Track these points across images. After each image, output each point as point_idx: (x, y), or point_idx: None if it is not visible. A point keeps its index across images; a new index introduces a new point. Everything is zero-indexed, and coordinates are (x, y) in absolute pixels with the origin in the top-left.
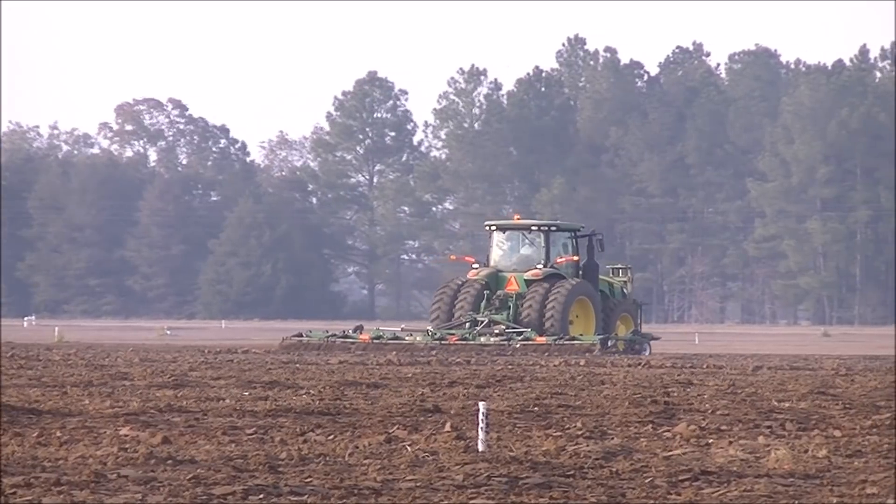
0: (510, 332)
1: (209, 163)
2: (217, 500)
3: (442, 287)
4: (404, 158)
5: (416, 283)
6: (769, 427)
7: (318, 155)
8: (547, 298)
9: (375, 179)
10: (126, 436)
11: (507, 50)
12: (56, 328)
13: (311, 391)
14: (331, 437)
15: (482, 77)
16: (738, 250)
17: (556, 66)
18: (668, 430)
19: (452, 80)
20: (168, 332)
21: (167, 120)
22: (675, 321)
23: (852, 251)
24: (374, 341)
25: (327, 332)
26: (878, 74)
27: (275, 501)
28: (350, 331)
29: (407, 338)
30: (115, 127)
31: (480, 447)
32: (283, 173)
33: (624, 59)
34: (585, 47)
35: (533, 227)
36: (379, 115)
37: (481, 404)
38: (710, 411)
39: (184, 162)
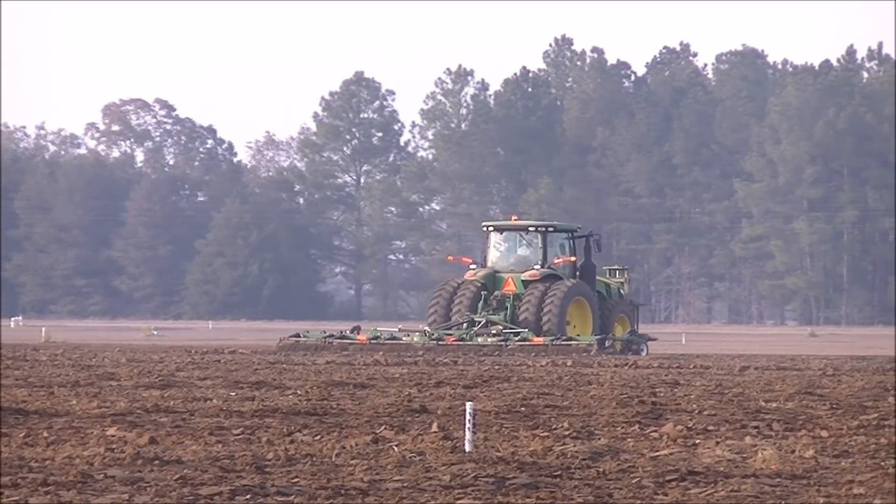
0: (508, 332)
1: (196, 163)
2: (204, 501)
3: (439, 288)
4: (391, 159)
5: (403, 284)
6: (756, 427)
7: (305, 155)
8: (544, 299)
9: (362, 180)
10: (113, 436)
11: (495, 50)
12: (43, 328)
13: (298, 391)
14: (318, 437)
15: (469, 77)
16: (725, 250)
17: (543, 66)
18: (655, 431)
19: (439, 80)
20: (155, 332)
21: (154, 120)
22: (663, 321)
23: (839, 251)
24: (372, 342)
25: (325, 332)
26: (865, 74)
27: (262, 502)
28: (347, 331)
29: (404, 338)
30: (101, 127)
31: (467, 447)
32: (270, 174)
33: (611, 60)
34: (572, 47)
35: (530, 228)
36: (366, 115)
37: (468, 404)
38: (697, 411)
39: (171, 162)
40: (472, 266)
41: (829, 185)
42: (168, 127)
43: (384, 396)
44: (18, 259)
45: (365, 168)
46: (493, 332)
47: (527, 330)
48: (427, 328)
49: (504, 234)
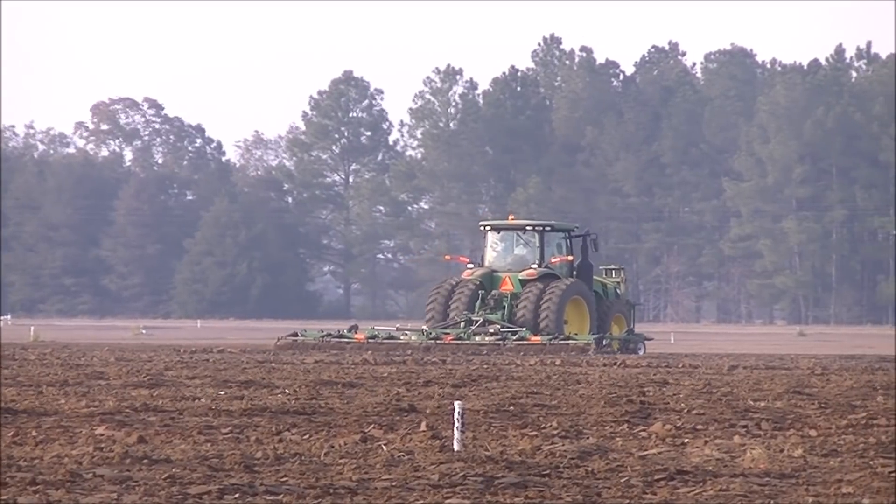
0: (505, 331)
1: (185, 162)
2: (192, 500)
3: (436, 287)
4: (380, 158)
5: (391, 283)
6: (745, 426)
7: (294, 154)
8: (542, 298)
9: (351, 179)
10: (101, 435)
11: (483, 49)
12: (32, 327)
13: (287, 390)
14: (306, 436)
15: (458, 76)
16: (714, 250)
17: (532, 65)
18: (644, 430)
19: (428, 79)
20: (143, 331)
21: (143, 119)
22: (651, 320)
23: (828, 251)
24: (370, 341)
25: (322, 331)
26: (854, 74)
27: (250, 501)
28: (345, 330)
29: (402, 337)
30: (90, 126)
31: (456, 446)
32: (259, 173)
33: (600, 59)
34: (561, 47)
35: (527, 228)
36: (355, 114)
37: (457, 404)
38: (685, 411)
39: (159, 161)
40: (470, 265)
41: (817, 184)
42: (157, 126)
43: (373, 395)
44: (7, 258)
45: (354, 167)
46: (491, 331)
47: (524, 329)
48: (425, 327)
49: (501, 233)
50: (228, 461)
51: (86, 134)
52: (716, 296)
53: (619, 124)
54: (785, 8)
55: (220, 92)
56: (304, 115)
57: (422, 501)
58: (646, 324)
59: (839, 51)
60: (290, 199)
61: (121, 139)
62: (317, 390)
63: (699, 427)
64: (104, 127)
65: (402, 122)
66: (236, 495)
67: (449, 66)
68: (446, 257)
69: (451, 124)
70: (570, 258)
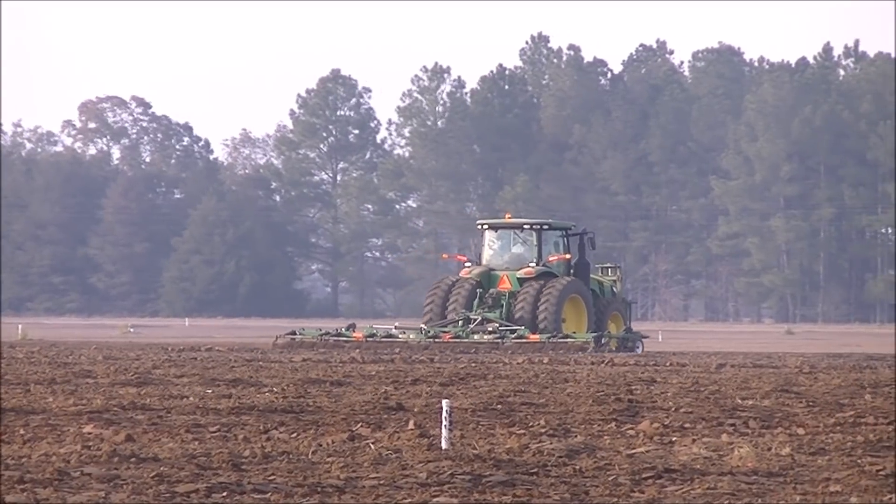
0: (504, 329)
1: (172, 160)
2: (180, 498)
3: (434, 285)
4: (368, 156)
5: (379, 281)
6: (732, 425)
7: (282, 153)
8: (540, 296)
9: (339, 177)
10: (89, 433)
11: (471, 48)
12: (19, 326)
13: (275, 389)
14: (294, 434)
15: (446, 75)
16: (702, 248)
17: (520, 63)
18: (632, 428)
19: (416, 77)
20: (131, 329)
21: (131, 118)
22: (639, 319)
23: (816, 249)
24: (368, 339)
25: (321, 330)
26: (842, 72)
27: (238, 499)
28: (344, 329)
29: (400, 336)
30: (78, 125)
31: (444, 445)
32: (247, 171)
33: (587, 57)
34: (549, 45)
35: (525, 226)
36: (342, 112)
37: (445, 402)
38: (673, 409)
39: (147, 160)
40: (467, 264)
41: (805, 182)
42: (144, 124)
43: (361, 394)
44: None
45: (341, 165)
46: (490, 329)
47: (523, 327)
48: (423, 326)
49: (499, 231)
50: (216, 459)
51: (73, 132)
52: (703, 294)
53: (606, 123)
54: (773, 6)
55: (207, 90)
56: (292, 113)
57: (409, 500)
58: (634, 322)
59: (827, 49)
60: (277, 198)
61: (108, 137)
62: (304, 389)
63: (687, 425)
64: (92, 125)
65: (389, 120)
66: (224, 494)
67: (437, 64)
68: (444, 256)
69: (439, 123)
70: (568, 256)
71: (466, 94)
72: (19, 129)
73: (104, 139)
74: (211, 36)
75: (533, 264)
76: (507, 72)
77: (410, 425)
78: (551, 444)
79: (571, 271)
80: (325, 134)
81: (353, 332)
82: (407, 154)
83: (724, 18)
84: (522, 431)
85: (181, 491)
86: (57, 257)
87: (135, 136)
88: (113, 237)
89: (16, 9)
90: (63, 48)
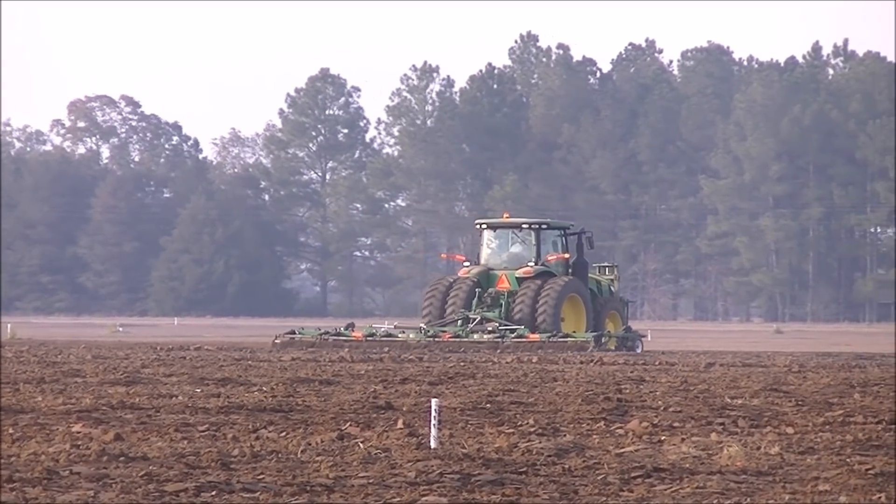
0: (503, 329)
1: (161, 160)
2: (169, 497)
3: (433, 285)
4: (357, 155)
5: (368, 280)
6: (722, 424)
7: (271, 152)
8: (539, 296)
9: (328, 176)
10: (78, 433)
11: (460, 47)
12: (8, 325)
13: (264, 388)
14: (283, 433)
15: (435, 74)
16: (691, 247)
17: (509, 62)
18: (621, 427)
19: (405, 76)
20: (120, 328)
21: (120, 117)
22: (629, 318)
23: (805, 248)
24: (368, 339)
25: (320, 329)
26: (831, 71)
27: (227, 498)
28: (343, 328)
29: (400, 335)
30: (67, 124)
31: (433, 444)
32: (236, 170)
33: (576, 56)
34: (538, 44)
35: (523, 226)
36: (331, 112)
37: (434, 401)
38: (662, 408)
39: (136, 159)
40: (466, 263)
41: (794, 181)
42: (133, 123)
43: (350, 393)
44: None
45: (330, 165)
46: (489, 328)
47: (522, 327)
48: (422, 325)
49: (497, 231)
50: (205, 459)
51: (62, 131)
52: (693, 293)
53: (595, 122)
54: (762, 5)
55: (196, 89)
56: (281, 112)
57: (398, 499)
58: None
59: (816, 48)
60: (266, 197)
61: (97, 137)
62: (293, 388)
63: (676, 424)
64: (81, 124)
65: (378, 119)
66: (213, 493)
67: (426, 63)
68: (442, 256)
69: (428, 122)
70: (567, 256)
71: (455, 93)
72: (8, 129)
73: (93, 138)
74: (200, 35)
75: (531, 264)
76: (496, 71)
77: (399, 424)
78: (540, 443)
79: (570, 271)
80: (314, 133)
81: (353, 331)
82: (396, 153)
83: (714, 17)
84: (511, 430)
85: (170, 490)
86: (46, 256)
87: (124, 135)
88: (102, 236)
89: (4, 8)
90: (53, 47)
